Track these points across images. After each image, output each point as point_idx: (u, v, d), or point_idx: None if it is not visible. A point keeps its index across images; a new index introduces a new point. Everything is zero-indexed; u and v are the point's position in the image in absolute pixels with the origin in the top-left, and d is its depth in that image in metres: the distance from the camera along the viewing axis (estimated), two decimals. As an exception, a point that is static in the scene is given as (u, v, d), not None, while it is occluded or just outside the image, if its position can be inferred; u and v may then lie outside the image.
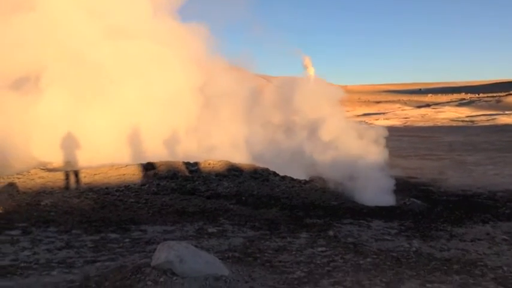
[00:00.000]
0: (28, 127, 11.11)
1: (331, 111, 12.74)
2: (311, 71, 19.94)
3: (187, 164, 10.29)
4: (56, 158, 10.94)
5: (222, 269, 4.24)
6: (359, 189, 10.28)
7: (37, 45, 11.14)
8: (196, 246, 5.58)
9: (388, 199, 9.96)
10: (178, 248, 4.15)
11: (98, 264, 4.88)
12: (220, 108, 13.24)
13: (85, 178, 9.39)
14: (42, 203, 8.08)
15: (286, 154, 12.73)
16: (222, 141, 12.65)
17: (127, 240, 5.90)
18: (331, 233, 6.66)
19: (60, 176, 9.54)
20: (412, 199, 9.81)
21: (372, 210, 8.95)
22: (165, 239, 5.97)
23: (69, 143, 10.77)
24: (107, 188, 8.97)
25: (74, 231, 6.26)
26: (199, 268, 4.07)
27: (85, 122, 11.12)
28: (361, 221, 7.74)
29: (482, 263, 5.55)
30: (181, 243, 4.35)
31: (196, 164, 10.38)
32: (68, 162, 10.76)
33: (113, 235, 6.11)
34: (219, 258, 4.91)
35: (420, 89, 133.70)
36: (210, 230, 6.54)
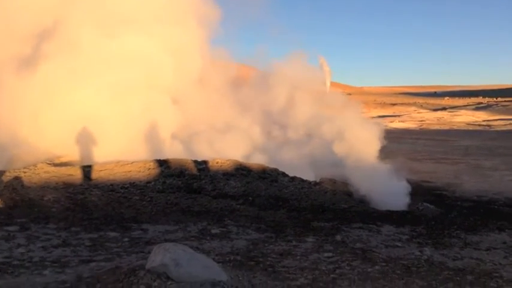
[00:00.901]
0: (41, 119, 11.01)
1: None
2: (327, 72, 19.91)
3: (194, 162, 10.09)
4: (70, 152, 10.80)
5: (220, 274, 4.01)
6: (370, 192, 9.99)
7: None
8: (197, 247, 5.38)
9: (400, 203, 9.66)
10: (174, 250, 3.92)
11: (93, 264, 4.68)
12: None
13: (90, 174, 9.24)
14: (45, 198, 7.94)
15: (294, 154, 12.49)
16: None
17: (126, 239, 5.70)
18: (338, 237, 6.39)
19: (65, 171, 9.40)
20: (425, 204, 9.49)
21: (383, 214, 8.65)
22: (165, 240, 5.77)
23: (84, 138, 10.63)
24: (111, 185, 8.81)
25: (73, 229, 6.09)
26: (196, 273, 3.84)
27: (101, 116, 10.96)
28: (371, 226, 7.45)
29: (497, 274, 5.23)
30: (178, 245, 4.13)
31: (204, 162, 10.17)
32: (80, 157, 10.62)
33: (113, 234, 5.91)
34: (220, 262, 4.70)
35: (435, 92, 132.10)
36: (213, 231, 6.31)
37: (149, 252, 4.58)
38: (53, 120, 10.93)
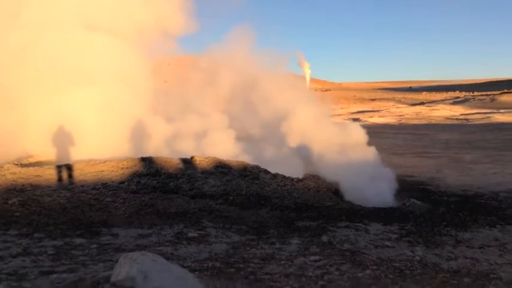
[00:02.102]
0: (17, 118, 10.37)
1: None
2: (307, 67, 19.48)
3: (171, 160, 9.57)
4: (47, 151, 10.18)
5: (195, 286, 3.55)
6: (355, 189, 9.62)
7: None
8: (172, 254, 4.92)
9: (386, 199, 9.31)
10: (143, 261, 3.45)
11: (54, 276, 4.17)
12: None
13: (59, 175, 8.67)
14: (9, 202, 7.39)
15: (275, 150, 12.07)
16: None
17: (94, 246, 5.20)
18: (325, 238, 5.99)
19: (33, 172, 8.83)
20: (412, 200, 9.14)
21: (370, 211, 8.30)
22: (137, 245, 5.30)
23: (61, 136, 10.02)
24: (82, 186, 8.26)
25: (36, 235, 5.56)
26: (167, 286, 3.37)
27: (79, 114, 10.36)
28: (358, 224, 7.07)
29: (495, 275, 4.91)
30: (148, 254, 3.65)
31: (181, 160, 9.67)
32: (57, 157, 10.02)
33: (79, 240, 5.40)
34: (197, 270, 4.25)
35: (410, 87, 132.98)
36: (190, 235, 5.85)
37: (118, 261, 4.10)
38: (30, 118, 10.30)
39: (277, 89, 12.63)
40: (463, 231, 7.04)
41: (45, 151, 10.24)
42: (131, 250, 4.91)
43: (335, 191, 9.63)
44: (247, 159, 10.67)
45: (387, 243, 6.11)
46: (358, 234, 6.48)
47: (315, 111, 12.11)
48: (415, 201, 9.08)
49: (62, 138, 10.01)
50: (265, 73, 13.49)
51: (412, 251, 5.66)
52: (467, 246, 6.18)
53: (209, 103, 13.56)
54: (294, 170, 10.38)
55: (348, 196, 9.54)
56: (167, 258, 4.53)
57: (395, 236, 6.55)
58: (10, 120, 10.32)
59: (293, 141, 11.97)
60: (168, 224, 6.40)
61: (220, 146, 11.54)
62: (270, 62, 14.40)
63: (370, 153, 11.36)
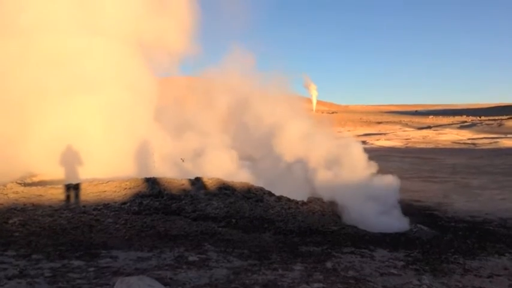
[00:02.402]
0: (23, 136, 10.31)
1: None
2: (313, 89, 19.50)
3: (174, 180, 9.47)
4: (50, 168, 10.08)
5: (193, 314, 3.43)
6: (361, 213, 9.45)
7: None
8: (170, 278, 4.78)
9: (392, 225, 9.13)
10: (139, 286, 3.35)
11: (49, 300, 4.06)
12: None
13: (61, 195, 8.59)
14: (9, 221, 7.31)
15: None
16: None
17: (92, 269, 5.07)
18: (329, 264, 5.83)
19: (35, 192, 8.77)
20: (418, 225, 8.97)
21: (375, 237, 8.14)
22: (136, 269, 5.16)
23: (68, 155, 9.93)
24: (84, 206, 8.18)
25: (34, 256, 5.44)
26: (163, 313, 3.26)
27: (86, 133, 10.31)
28: (364, 250, 6.91)
29: (506, 307, 4.73)
30: (145, 279, 3.54)
31: (184, 180, 9.56)
32: (65, 176, 9.92)
33: (77, 262, 5.27)
34: (196, 296, 4.11)
35: (416, 111, 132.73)
36: (191, 259, 5.70)
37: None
38: (36, 136, 10.24)
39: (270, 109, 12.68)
40: (471, 259, 6.86)
41: (48, 167, 10.13)
42: (129, 274, 4.78)
43: (340, 215, 9.47)
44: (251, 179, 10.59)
45: (393, 270, 5.93)
46: (363, 260, 6.32)
47: (317, 131, 12.10)
48: (422, 226, 8.91)
49: (67, 154, 9.93)
50: (260, 93, 13.56)
51: (418, 280, 5.48)
52: (475, 275, 5.99)
53: (207, 123, 13.58)
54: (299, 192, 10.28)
55: (353, 220, 9.37)
56: (166, 283, 4.42)
57: (401, 263, 6.37)
58: (12, 132, 10.25)
59: (296, 163, 11.90)
60: (169, 247, 6.27)
61: (220, 164, 11.48)
62: (270, 83, 14.52)
63: (376, 176, 11.22)
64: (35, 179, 10.19)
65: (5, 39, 10.23)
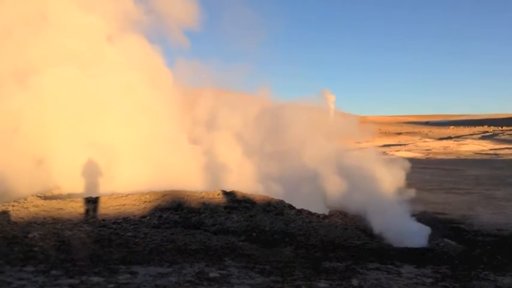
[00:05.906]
0: (44, 149, 10.36)
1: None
2: (331, 99, 19.33)
3: (194, 193, 9.37)
4: (74, 184, 10.08)
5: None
6: (385, 227, 9.20)
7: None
8: (192, 296, 4.64)
9: (418, 239, 8.86)
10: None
11: (67, 319, 3.94)
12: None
13: (81, 208, 8.55)
14: (29, 236, 7.25)
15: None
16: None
17: (111, 286, 4.94)
18: (355, 282, 5.61)
19: (55, 205, 8.75)
20: (445, 240, 8.66)
21: (401, 252, 7.87)
22: (156, 286, 5.03)
23: (91, 169, 9.94)
24: (103, 220, 8.11)
25: (53, 272, 5.35)
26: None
27: (111, 146, 10.34)
28: (390, 266, 6.67)
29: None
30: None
31: (204, 193, 9.45)
32: (86, 189, 9.91)
33: (96, 278, 5.16)
34: (218, 315, 3.95)
35: (428, 122, 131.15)
36: (211, 275, 5.55)
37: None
38: (60, 149, 10.28)
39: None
40: (502, 276, 6.56)
41: (71, 182, 10.13)
42: (149, 291, 4.66)
43: (363, 229, 9.22)
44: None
45: (422, 288, 5.70)
46: (390, 277, 6.08)
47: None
48: (449, 241, 8.60)
49: (90, 169, 9.92)
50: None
51: (449, 298, 5.25)
52: (509, 294, 5.72)
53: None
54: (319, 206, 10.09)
55: (377, 234, 9.12)
56: (187, 302, 4.27)
57: (430, 280, 6.12)
58: (36, 148, 10.31)
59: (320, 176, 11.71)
60: (189, 262, 6.14)
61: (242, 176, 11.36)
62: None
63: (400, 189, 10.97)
64: (56, 192, 10.19)
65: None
